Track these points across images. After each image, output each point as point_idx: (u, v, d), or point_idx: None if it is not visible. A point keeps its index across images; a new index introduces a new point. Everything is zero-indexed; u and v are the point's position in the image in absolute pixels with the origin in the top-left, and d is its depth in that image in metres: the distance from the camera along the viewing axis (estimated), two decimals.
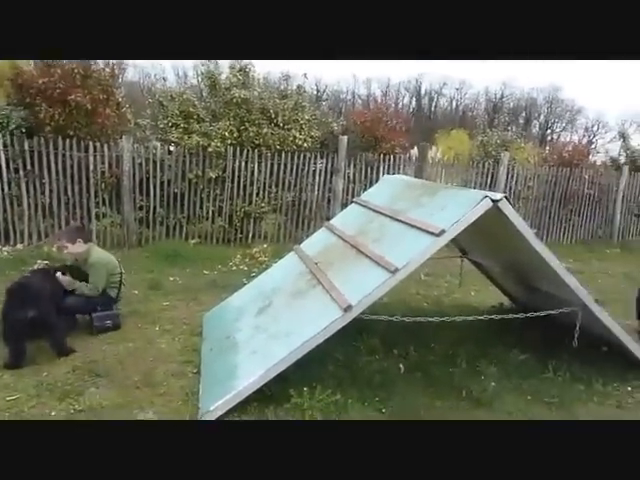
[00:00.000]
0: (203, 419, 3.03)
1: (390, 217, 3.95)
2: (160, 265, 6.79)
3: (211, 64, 8.43)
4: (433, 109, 52.78)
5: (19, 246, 6.98)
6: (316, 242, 4.68)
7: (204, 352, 3.93)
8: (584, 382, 3.93)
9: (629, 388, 3.90)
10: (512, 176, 9.69)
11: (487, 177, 9.60)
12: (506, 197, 3.28)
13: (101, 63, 7.55)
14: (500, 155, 9.55)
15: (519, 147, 10.35)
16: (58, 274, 4.28)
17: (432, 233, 3.23)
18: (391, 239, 3.66)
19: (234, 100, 7.71)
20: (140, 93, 21.98)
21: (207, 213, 7.99)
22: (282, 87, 8.81)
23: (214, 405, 3.07)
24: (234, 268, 6.93)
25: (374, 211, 4.36)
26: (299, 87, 8.62)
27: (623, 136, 11.63)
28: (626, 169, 10.53)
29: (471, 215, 3.21)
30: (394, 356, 4.14)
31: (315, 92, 46.06)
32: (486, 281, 5.90)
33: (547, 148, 13.57)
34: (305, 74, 8.80)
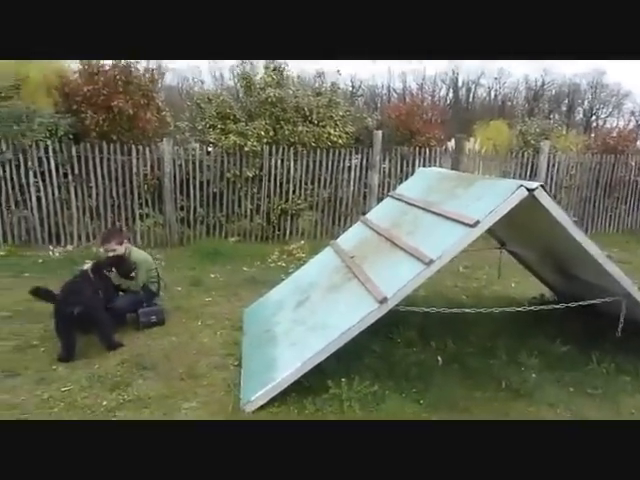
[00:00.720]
0: (245, 409, 3.14)
1: (424, 209, 3.96)
2: (201, 263, 6.99)
3: (247, 65, 8.59)
4: (471, 100, 51.57)
5: (69, 247, 7.32)
6: (352, 236, 4.73)
7: (244, 345, 4.05)
8: (630, 373, 3.84)
9: None
10: (553, 165, 9.43)
11: (527, 167, 9.37)
12: (542, 186, 3.22)
13: (141, 69, 7.81)
14: (540, 144, 9.31)
15: (560, 135, 10.05)
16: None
17: (466, 224, 3.23)
18: (425, 231, 3.67)
19: (269, 99, 7.83)
20: (179, 96, 22.49)
21: (245, 211, 8.15)
22: (316, 85, 8.85)
23: (255, 396, 3.17)
24: (272, 265, 7.05)
25: (408, 204, 4.37)
26: (333, 84, 8.66)
27: None
28: None
29: (506, 205, 3.19)
30: (431, 349, 4.14)
31: (350, 88, 45.99)
32: (526, 273, 5.80)
33: (592, 135, 13.04)
34: (338, 70, 8.84)
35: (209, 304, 5.34)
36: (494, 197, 3.29)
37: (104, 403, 3.27)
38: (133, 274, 4.65)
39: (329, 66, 9.04)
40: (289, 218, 8.34)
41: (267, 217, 8.26)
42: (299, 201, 8.25)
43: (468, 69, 47.66)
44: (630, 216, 10.20)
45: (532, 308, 3.99)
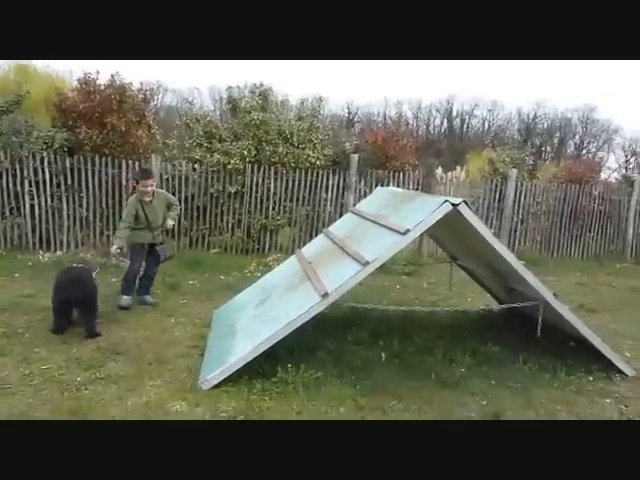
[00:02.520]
0: (202, 387, 3.60)
1: (373, 221, 4.49)
2: (181, 271, 7.44)
3: (235, 89, 9.23)
4: (465, 130, 52.70)
5: (58, 253, 7.79)
6: (313, 246, 5.25)
7: (209, 338, 4.51)
8: (550, 372, 4.30)
9: (591, 378, 4.26)
10: (521, 192, 10.03)
11: (495, 193, 9.97)
12: (465, 201, 3.75)
13: (135, 89, 8.39)
14: (508, 172, 9.93)
15: (529, 165, 10.68)
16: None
17: (399, 232, 3.75)
18: (369, 239, 4.19)
19: (253, 122, 8.42)
20: (177, 116, 23.19)
21: (227, 225, 8.66)
22: (299, 110, 9.48)
23: (210, 375, 3.64)
24: (249, 274, 7.51)
25: (363, 218, 4.91)
26: (314, 109, 9.29)
27: (635, 153, 11.76)
28: (637, 184, 10.72)
29: (433, 217, 3.72)
30: (379, 347, 4.61)
31: (347, 114, 47.08)
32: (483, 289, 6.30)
33: (560, 165, 13.72)
34: (320, 98, 9.44)
35: (183, 305, 5.80)
36: (425, 210, 3.83)
37: (78, 379, 3.71)
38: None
39: (325, 91, 9.63)
40: (268, 233, 8.86)
41: (248, 231, 8.77)
42: (278, 217, 8.78)
43: (462, 99, 48.80)
44: (595, 242, 10.76)
45: (463, 310, 4.44)
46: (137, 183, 5.58)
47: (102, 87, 8.14)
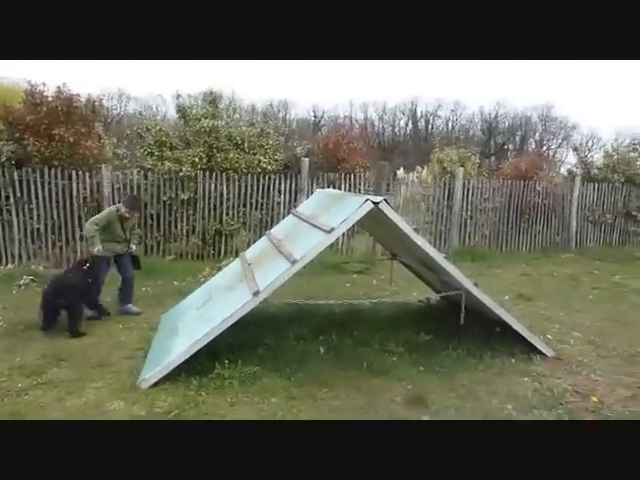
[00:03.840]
0: (140, 386, 3.76)
1: (306, 221, 4.72)
2: (135, 279, 7.53)
3: (186, 97, 9.38)
4: (430, 130, 53.57)
5: (10, 266, 7.78)
6: (255, 248, 5.46)
7: (153, 340, 4.66)
8: (476, 356, 4.61)
9: (513, 360, 4.57)
10: (468, 189, 10.45)
11: (444, 191, 10.36)
12: (385, 200, 4.01)
13: (83, 100, 8.44)
14: (456, 171, 10.34)
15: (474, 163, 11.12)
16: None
17: (325, 231, 3.99)
18: (301, 238, 4.42)
19: (203, 129, 8.58)
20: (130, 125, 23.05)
21: (182, 232, 8.78)
22: (250, 116, 9.68)
23: (149, 374, 3.80)
24: (202, 279, 7.61)
25: (300, 219, 5.14)
26: (265, 115, 9.50)
27: (576, 149, 12.37)
28: (578, 179, 11.28)
29: (356, 215, 3.97)
30: (318, 341, 4.83)
31: (313, 118, 47.43)
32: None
33: (506, 162, 14.26)
34: (270, 103, 9.66)
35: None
36: (349, 209, 4.07)
37: (19, 385, 3.83)
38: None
39: (292, 96, 9.81)
40: (223, 238, 9.01)
41: (203, 237, 8.91)
42: (232, 222, 8.94)
43: (426, 101, 49.69)
44: (541, 235, 11.27)
45: (394, 301, 4.70)
46: (123, 206, 5.84)
47: (49, 99, 8.17)
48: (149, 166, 8.50)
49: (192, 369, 3.97)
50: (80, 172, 8.11)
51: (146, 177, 8.53)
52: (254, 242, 9.11)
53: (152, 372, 3.81)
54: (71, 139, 7.98)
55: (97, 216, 5.84)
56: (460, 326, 4.66)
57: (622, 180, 11.66)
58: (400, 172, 17.39)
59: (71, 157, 8.17)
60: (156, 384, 3.79)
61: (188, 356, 3.83)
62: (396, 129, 51.25)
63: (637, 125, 26.16)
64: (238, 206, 8.99)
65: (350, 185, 9.62)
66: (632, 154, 12.31)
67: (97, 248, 5.50)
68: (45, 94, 8.19)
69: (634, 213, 11.71)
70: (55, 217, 8.12)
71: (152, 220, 8.63)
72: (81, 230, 8.27)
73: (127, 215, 5.83)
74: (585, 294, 7.41)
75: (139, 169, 8.62)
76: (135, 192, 8.44)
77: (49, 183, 7.98)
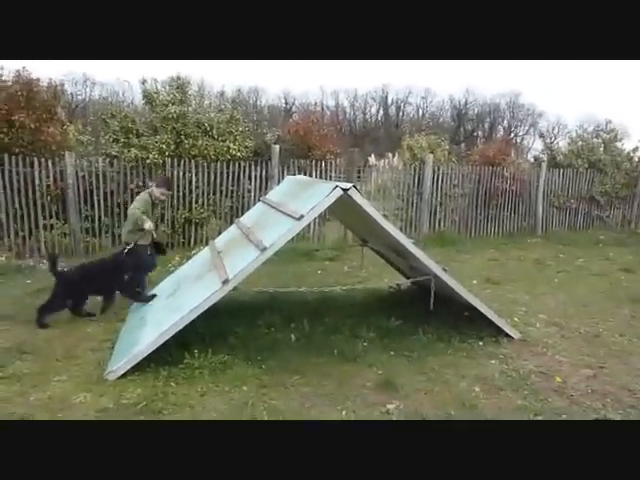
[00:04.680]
0: (107, 378, 3.69)
1: (276, 209, 4.68)
2: None
3: (152, 82, 9.14)
4: (401, 117, 53.77)
5: None
6: (225, 236, 5.40)
7: (121, 331, 4.58)
8: (445, 341, 4.68)
9: (481, 343, 4.67)
10: (438, 176, 10.54)
11: (414, 178, 10.43)
12: (355, 186, 4.00)
13: (44, 85, 8.15)
14: (425, 158, 10.41)
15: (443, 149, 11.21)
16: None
17: (295, 218, 3.96)
18: (270, 226, 4.38)
19: (170, 115, 8.39)
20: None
21: None
22: (219, 102, 9.52)
23: (116, 366, 3.73)
24: (172, 269, 7.49)
25: (270, 206, 5.09)
26: (234, 101, 9.36)
27: (542, 135, 12.58)
28: (544, 165, 11.50)
29: (325, 202, 3.95)
30: (289, 329, 4.82)
31: (284, 104, 47.03)
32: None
33: (474, 148, 14.44)
34: (240, 89, 9.52)
35: (101, 303, 5.78)
36: (319, 196, 4.05)
37: None
38: None
39: (264, 83, 9.65)
40: (193, 226, 8.88)
41: (172, 226, 8.76)
42: (202, 210, 8.82)
43: (396, 88, 49.83)
44: (509, 220, 11.48)
45: (363, 287, 4.72)
46: (160, 188, 5.76)
47: (9, 83, 7.86)
48: (115, 153, 8.29)
49: (161, 360, 3.91)
50: (42, 160, 7.85)
51: (112, 165, 8.32)
52: (225, 230, 9.09)
53: (119, 363, 3.74)
54: (32, 125, 7.71)
55: (136, 204, 5.62)
56: (430, 311, 4.72)
57: (586, 166, 11.95)
58: (371, 159, 17.44)
59: (32, 144, 7.90)
60: (124, 376, 3.73)
61: (156, 347, 3.77)
62: (367, 116, 51.35)
63: (600, 112, 26.76)
64: (208, 194, 8.86)
65: (321, 172, 9.59)
66: (595, 140, 12.62)
67: (148, 224, 5.38)
68: (4, 78, 7.88)
69: (597, 198, 12.03)
70: (17, 206, 7.85)
71: (119, 209, 8.43)
72: (44, 219, 8.05)
73: (163, 198, 5.91)
74: (550, 277, 7.60)
75: (104, 156, 8.40)
76: (101, 180, 8.24)
77: (10, 171, 7.70)
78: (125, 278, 5.19)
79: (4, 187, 7.72)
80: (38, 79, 8.04)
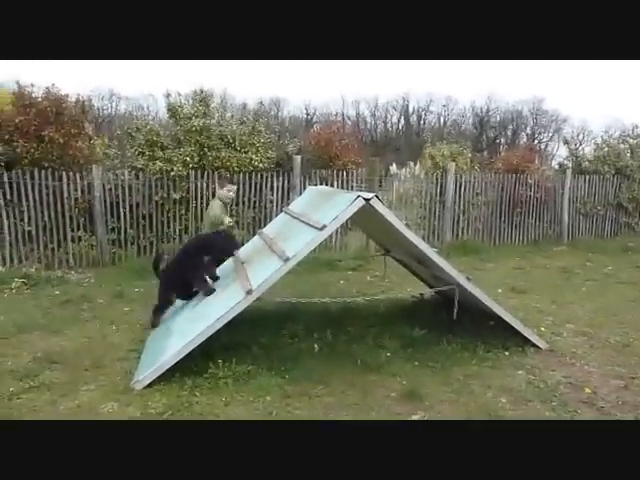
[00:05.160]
0: (134, 387, 3.75)
1: (298, 219, 4.71)
2: (129, 279, 7.51)
3: (176, 95, 9.33)
4: (422, 126, 53.58)
5: (0, 269, 7.71)
6: (248, 246, 5.44)
7: (147, 341, 4.64)
8: (470, 351, 4.61)
9: (507, 353, 4.60)
10: (460, 184, 10.46)
11: (437, 186, 10.37)
12: (377, 196, 4.01)
13: (72, 100, 8.38)
14: (447, 166, 10.35)
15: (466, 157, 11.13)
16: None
17: (317, 228, 3.98)
18: (293, 236, 4.41)
19: (194, 128, 8.54)
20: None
21: (175, 232, 8.74)
22: (242, 115, 9.64)
23: (143, 375, 3.78)
24: None
25: (292, 217, 5.13)
26: (255, 113, 9.46)
27: (567, 142, 12.41)
28: (569, 172, 11.32)
29: (348, 212, 3.96)
30: (313, 339, 4.82)
31: (305, 115, 47.39)
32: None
33: (498, 156, 14.29)
34: (262, 101, 9.62)
35: (127, 313, 5.89)
36: (341, 206, 4.07)
37: (11, 389, 3.79)
38: None
39: (284, 94, 9.80)
40: None
41: None
42: None
43: (417, 96, 49.77)
44: (533, 228, 11.30)
45: (386, 297, 4.70)
46: (226, 187, 5.98)
47: (39, 100, 8.11)
48: (140, 166, 8.45)
49: (186, 369, 3.95)
50: (71, 173, 8.06)
51: (137, 177, 8.49)
52: (247, 241, 9.16)
53: (146, 373, 3.79)
54: (61, 140, 7.92)
55: (217, 210, 5.83)
56: (454, 320, 4.67)
57: (612, 172, 11.72)
58: (392, 168, 17.40)
59: (61, 158, 8.10)
60: (150, 385, 3.78)
61: (182, 356, 3.82)
62: (388, 125, 51.34)
63: (626, 117, 26.25)
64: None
65: (342, 182, 9.61)
66: (622, 146, 12.37)
67: (227, 219, 5.61)
68: (34, 95, 8.12)
69: (625, 204, 11.77)
70: (46, 219, 8.06)
71: (144, 220, 8.59)
72: (72, 231, 8.24)
73: (231, 194, 6.10)
74: (578, 286, 7.45)
75: (130, 169, 8.58)
76: (127, 192, 8.41)
77: (39, 185, 7.91)
78: (205, 260, 5.00)
79: (34, 200, 7.94)
80: (67, 95, 8.28)
